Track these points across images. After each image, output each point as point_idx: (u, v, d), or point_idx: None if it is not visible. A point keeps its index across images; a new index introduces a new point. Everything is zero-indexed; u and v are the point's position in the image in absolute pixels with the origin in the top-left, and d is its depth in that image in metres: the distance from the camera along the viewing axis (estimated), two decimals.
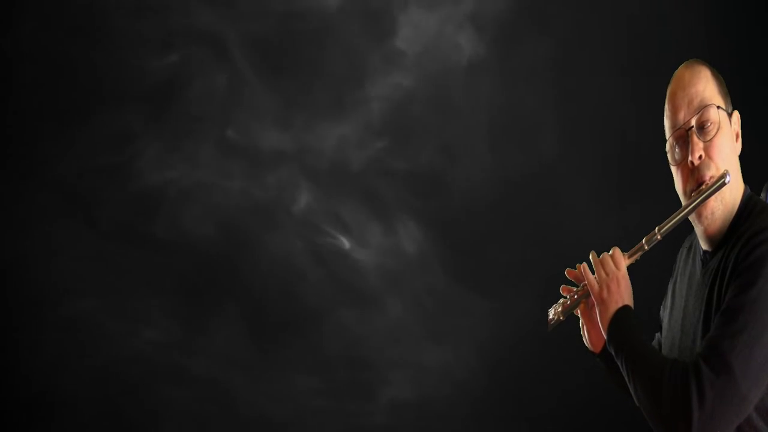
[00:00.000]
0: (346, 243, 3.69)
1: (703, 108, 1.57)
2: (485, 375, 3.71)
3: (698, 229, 1.61)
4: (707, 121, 1.56)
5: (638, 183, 3.58)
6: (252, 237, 3.65)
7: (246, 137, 3.65)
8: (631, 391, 1.50)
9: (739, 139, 1.62)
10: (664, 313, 1.76)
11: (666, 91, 1.65)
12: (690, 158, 1.56)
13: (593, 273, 1.63)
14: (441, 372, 3.72)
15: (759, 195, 1.65)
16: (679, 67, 1.65)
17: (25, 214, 3.52)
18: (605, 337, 1.58)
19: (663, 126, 1.65)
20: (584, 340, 1.77)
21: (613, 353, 1.55)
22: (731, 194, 1.56)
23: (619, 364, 1.53)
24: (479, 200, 3.72)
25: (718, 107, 1.58)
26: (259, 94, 3.65)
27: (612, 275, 1.59)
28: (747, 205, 1.57)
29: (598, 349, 1.74)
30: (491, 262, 3.71)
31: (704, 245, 1.61)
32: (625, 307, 1.57)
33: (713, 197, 1.54)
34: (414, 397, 3.71)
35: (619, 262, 1.60)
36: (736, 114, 1.62)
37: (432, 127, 3.73)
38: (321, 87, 3.68)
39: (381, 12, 3.70)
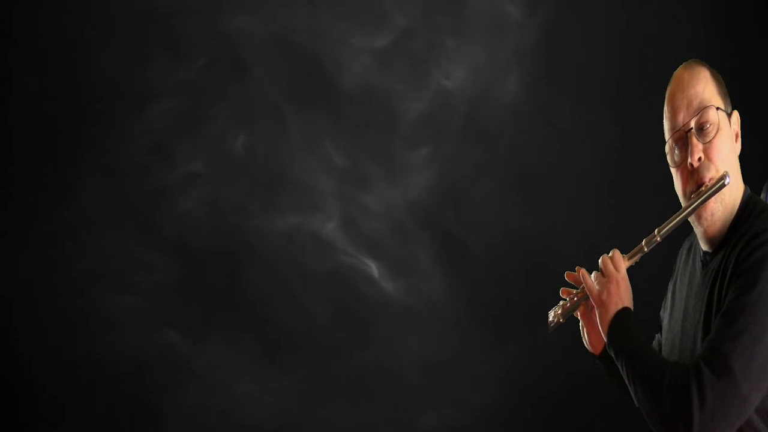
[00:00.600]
0: (374, 270, 3.70)
1: (702, 109, 1.57)
2: (507, 410, 3.71)
3: (698, 231, 1.61)
4: (706, 122, 1.56)
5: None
6: (277, 256, 3.66)
7: (274, 158, 3.66)
8: (632, 392, 1.49)
9: (739, 139, 1.61)
10: (664, 314, 1.75)
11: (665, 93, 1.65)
12: (689, 160, 1.56)
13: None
14: (461, 405, 3.73)
15: (759, 195, 1.64)
16: (678, 68, 1.65)
17: (24, 214, 3.52)
18: (605, 339, 1.58)
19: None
20: (584, 342, 1.76)
21: (613, 355, 1.55)
22: (731, 195, 1.56)
23: (619, 366, 1.53)
24: (503, 247, 3.72)
25: (718, 108, 1.57)
26: (295, 121, 3.66)
27: (611, 277, 1.58)
28: (747, 205, 1.57)
29: (598, 351, 1.74)
30: (511, 301, 3.72)
31: (704, 246, 1.61)
32: (625, 309, 1.56)
33: (713, 198, 1.54)
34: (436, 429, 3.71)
35: (619, 264, 1.60)
36: (735, 114, 1.62)
37: (466, 168, 3.74)
38: (359, 120, 3.70)
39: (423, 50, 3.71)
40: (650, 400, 1.43)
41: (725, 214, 1.56)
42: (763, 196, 1.64)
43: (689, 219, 1.58)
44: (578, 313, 1.72)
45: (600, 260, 1.62)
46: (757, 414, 1.42)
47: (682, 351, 1.58)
